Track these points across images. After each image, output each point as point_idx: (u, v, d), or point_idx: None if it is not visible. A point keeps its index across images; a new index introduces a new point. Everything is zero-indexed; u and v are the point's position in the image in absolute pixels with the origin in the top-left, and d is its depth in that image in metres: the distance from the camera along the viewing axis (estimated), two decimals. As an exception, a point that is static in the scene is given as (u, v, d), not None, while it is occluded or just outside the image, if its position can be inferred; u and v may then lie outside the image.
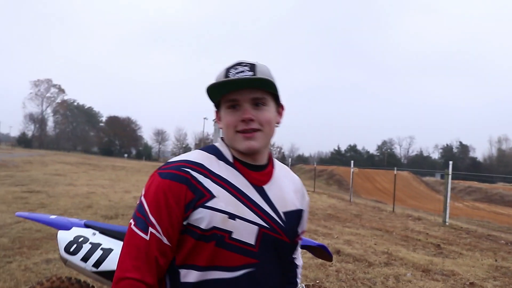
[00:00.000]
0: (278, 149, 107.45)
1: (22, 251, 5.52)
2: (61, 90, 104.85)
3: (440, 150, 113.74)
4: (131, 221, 1.25)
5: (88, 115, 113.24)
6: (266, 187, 1.37)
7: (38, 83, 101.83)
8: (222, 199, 1.26)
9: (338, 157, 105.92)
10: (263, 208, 1.32)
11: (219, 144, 1.43)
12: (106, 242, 2.39)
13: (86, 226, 2.51)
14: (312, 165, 50.02)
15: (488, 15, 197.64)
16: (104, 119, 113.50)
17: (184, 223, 1.24)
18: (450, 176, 10.91)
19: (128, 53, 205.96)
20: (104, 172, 23.72)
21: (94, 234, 2.44)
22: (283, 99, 1.45)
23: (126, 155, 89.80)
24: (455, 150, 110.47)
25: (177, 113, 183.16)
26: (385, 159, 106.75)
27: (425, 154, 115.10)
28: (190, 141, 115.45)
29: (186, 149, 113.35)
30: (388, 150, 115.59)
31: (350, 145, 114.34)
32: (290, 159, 42.56)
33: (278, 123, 1.43)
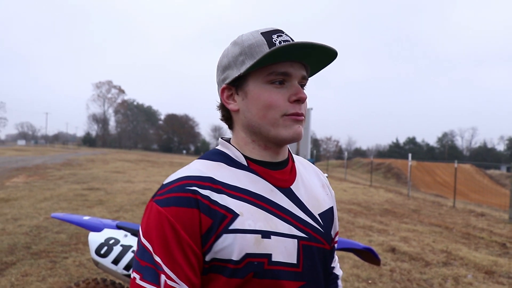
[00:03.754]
0: (335, 143, 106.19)
1: (78, 247, 5.73)
2: (121, 91, 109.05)
3: (506, 142, 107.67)
4: (134, 275, 0.93)
5: (147, 113, 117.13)
6: (294, 187, 1.10)
7: (99, 85, 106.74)
8: (248, 215, 0.98)
9: (397, 150, 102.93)
10: (296, 215, 1.06)
11: (222, 147, 1.12)
12: None
13: (118, 227, 2.49)
14: (370, 159, 49.04)
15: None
16: (162, 117, 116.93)
17: (207, 259, 0.95)
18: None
19: (183, 53, 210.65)
20: (161, 168, 24.26)
21: (125, 236, 2.42)
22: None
23: (184, 151, 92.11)
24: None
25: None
26: (446, 151, 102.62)
27: (489, 146, 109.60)
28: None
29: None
30: (449, 142, 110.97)
31: (409, 138, 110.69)
32: (346, 153, 41.83)
33: None
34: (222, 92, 1.08)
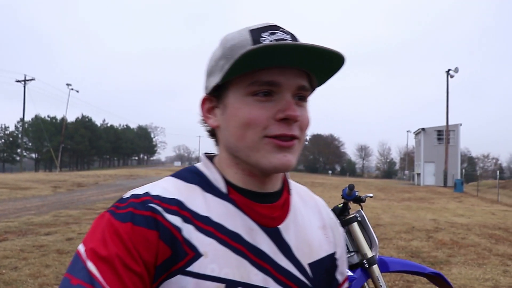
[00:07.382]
0: (494, 161, 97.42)
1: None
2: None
3: None
4: None
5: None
6: (282, 227, 0.84)
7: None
8: (213, 257, 0.74)
9: None
10: (277, 264, 0.81)
11: (202, 165, 0.88)
12: None
13: None
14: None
15: None
16: (308, 137, 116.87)
17: None
18: None
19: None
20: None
21: None
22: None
23: (330, 171, 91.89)
24: None
25: (379, 127, 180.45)
26: None
27: None
28: (395, 155, 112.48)
29: (391, 163, 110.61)
30: None
31: None
32: (498, 172, 38.43)
33: None
34: (202, 103, 0.86)
